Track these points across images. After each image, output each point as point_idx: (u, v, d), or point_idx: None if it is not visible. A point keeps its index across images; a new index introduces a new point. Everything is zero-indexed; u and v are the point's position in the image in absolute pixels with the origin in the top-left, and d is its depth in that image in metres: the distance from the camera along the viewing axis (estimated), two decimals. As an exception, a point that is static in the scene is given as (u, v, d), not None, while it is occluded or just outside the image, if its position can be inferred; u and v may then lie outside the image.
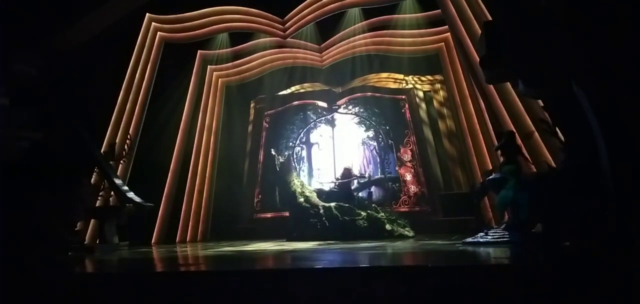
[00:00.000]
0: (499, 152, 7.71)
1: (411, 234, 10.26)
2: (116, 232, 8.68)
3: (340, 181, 12.08)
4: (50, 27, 10.10)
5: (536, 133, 8.06)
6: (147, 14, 12.88)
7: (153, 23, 12.99)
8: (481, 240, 6.83)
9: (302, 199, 11.02)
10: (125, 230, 9.02)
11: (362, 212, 10.52)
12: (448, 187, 12.97)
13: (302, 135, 14.54)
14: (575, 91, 4.66)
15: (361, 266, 4.83)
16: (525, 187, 6.48)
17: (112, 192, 9.55)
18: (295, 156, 13.61)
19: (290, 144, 14.42)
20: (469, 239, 7.05)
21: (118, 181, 9.34)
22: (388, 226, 10.17)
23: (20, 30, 8.72)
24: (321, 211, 10.65)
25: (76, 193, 7.85)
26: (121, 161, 10.78)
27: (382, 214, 10.66)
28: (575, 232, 4.92)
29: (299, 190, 11.24)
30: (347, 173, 12.12)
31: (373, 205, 11.28)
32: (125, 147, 10.86)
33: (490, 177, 7.53)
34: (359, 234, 9.91)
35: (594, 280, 3.36)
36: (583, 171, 4.77)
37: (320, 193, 11.59)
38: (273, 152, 12.02)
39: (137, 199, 9.02)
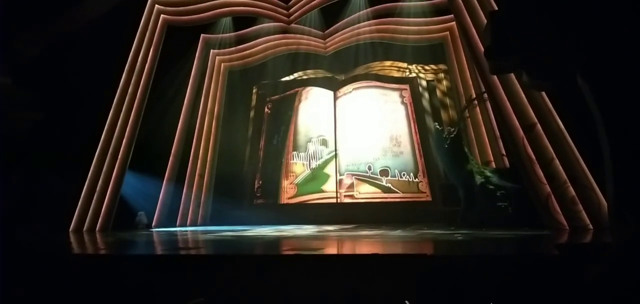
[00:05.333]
0: None
1: None
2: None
3: None
4: (53, 8, 10.04)
5: (538, 125, 8.03)
6: (151, -4, 12.77)
7: (156, 5, 12.87)
8: None
9: (482, 179, 9.31)
10: None
11: None
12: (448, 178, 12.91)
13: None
14: (579, 84, 4.62)
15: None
16: None
17: None
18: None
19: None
20: None
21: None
22: None
23: (22, 11, 8.67)
24: (512, 193, 8.89)
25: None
26: None
27: None
28: None
29: (476, 169, 9.54)
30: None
31: None
32: None
33: None
34: None
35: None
36: None
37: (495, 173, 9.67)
38: (437, 126, 10.37)
39: None
